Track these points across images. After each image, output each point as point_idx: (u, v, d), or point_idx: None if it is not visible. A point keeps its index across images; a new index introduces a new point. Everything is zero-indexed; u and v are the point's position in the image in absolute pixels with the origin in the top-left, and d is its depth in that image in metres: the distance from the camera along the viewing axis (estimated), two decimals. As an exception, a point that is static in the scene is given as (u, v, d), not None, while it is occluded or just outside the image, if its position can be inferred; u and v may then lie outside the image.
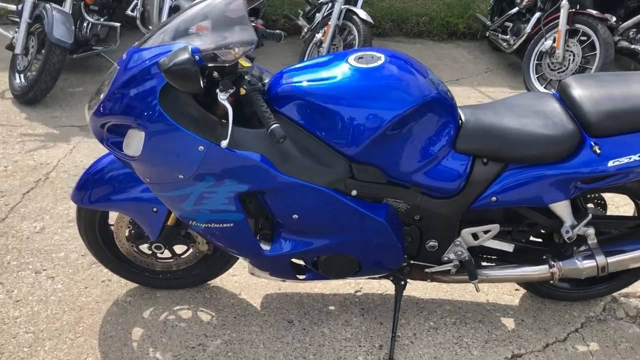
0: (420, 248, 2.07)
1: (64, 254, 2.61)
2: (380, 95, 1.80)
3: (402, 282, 2.18)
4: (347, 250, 1.98)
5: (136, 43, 1.91)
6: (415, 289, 2.43)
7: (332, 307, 2.34)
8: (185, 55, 1.55)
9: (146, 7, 4.62)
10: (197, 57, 1.66)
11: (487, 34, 5.67)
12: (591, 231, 2.04)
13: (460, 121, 1.94)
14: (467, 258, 2.07)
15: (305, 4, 5.51)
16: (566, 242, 2.05)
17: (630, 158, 1.86)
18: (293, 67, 1.97)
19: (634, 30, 4.95)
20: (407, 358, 2.11)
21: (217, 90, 1.70)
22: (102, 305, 2.31)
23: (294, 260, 2.07)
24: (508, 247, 2.13)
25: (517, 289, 2.47)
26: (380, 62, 1.86)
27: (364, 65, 1.85)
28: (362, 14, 4.31)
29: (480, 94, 4.84)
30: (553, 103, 2.02)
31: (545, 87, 4.65)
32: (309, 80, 1.84)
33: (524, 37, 4.95)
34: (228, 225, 1.92)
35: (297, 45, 5.63)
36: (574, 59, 4.47)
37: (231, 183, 1.82)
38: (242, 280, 2.47)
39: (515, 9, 5.31)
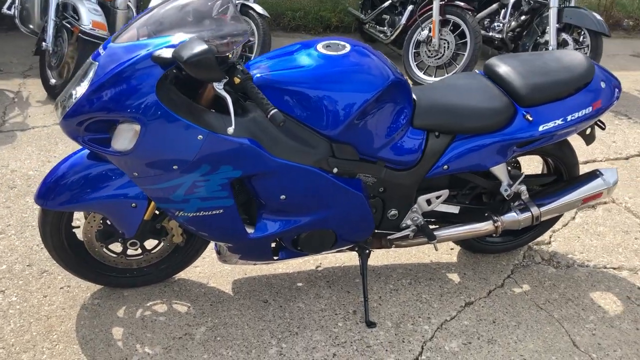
0: (383, 218, 2.29)
1: (5, 266, 2.45)
2: (354, 79, 1.98)
3: (367, 251, 2.38)
4: (327, 225, 2.14)
5: (112, 37, 1.90)
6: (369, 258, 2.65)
7: (300, 284, 2.49)
8: (204, 46, 1.61)
9: (24, 4, 4.32)
10: None
11: (366, 26, 6.05)
12: (523, 188, 2.40)
13: (413, 100, 2.18)
14: (422, 222, 2.33)
15: None
16: (505, 199, 2.39)
17: (555, 122, 2.23)
18: (264, 56, 2.08)
19: (487, 19, 5.62)
20: (380, 317, 2.32)
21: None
22: (70, 311, 2.24)
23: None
24: (454, 210, 2.43)
25: (452, 248, 2.79)
26: (347, 50, 2.03)
27: (334, 53, 2.01)
28: (259, 8, 4.42)
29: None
30: (483, 80, 2.33)
31: (424, 73, 5.11)
32: (285, 69, 1.97)
33: (400, 29, 5.39)
34: (217, 212, 1.99)
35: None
36: (448, 46, 4.97)
37: (226, 169, 1.89)
38: (206, 270, 2.52)
39: (388, 2, 5.73)
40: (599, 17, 4.87)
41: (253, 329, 2.22)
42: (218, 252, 2.27)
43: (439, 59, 5.02)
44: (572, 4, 5.18)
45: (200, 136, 1.81)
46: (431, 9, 4.99)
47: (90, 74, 1.83)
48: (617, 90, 2.37)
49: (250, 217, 2.15)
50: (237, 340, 2.16)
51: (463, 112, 2.19)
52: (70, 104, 1.87)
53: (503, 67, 2.31)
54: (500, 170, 2.33)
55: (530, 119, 2.20)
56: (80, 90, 1.86)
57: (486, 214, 2.42)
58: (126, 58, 1.78)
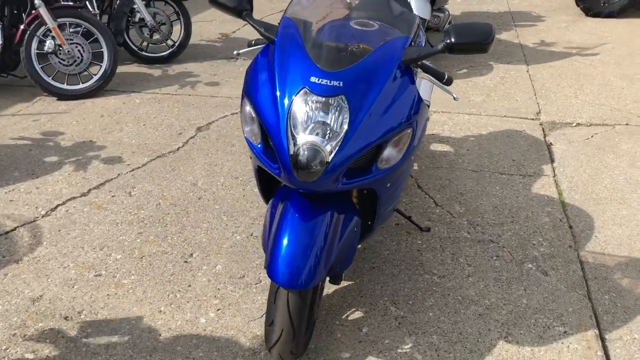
0: None
1: None
2: None
3: None
4: None
5: (321, 69, 1.69)
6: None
7: (375, 265, 2.48)
8: (490, 25, 1.71)
9: None
10: None
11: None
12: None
13: None
14: None
15: None
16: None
17: None
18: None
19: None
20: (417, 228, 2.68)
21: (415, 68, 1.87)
22: None
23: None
24: None
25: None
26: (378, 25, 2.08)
27: (371, 29, 2.04)
28: None
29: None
30: None
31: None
32: None
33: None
34: (404, 183, 2.11)
35: None
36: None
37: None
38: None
39: None
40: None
41: (428, 307, 2.23)
42: (333, 275, 2.08)
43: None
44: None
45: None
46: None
47: (344, 109, 1.61)
48: None
49: None
50: (436, 331, 2.15)
51: None
52: (323, 155, 1.61)
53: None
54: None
55: None
56: (317, 138, 1.62)
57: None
58: (377, 75, 1.68)
